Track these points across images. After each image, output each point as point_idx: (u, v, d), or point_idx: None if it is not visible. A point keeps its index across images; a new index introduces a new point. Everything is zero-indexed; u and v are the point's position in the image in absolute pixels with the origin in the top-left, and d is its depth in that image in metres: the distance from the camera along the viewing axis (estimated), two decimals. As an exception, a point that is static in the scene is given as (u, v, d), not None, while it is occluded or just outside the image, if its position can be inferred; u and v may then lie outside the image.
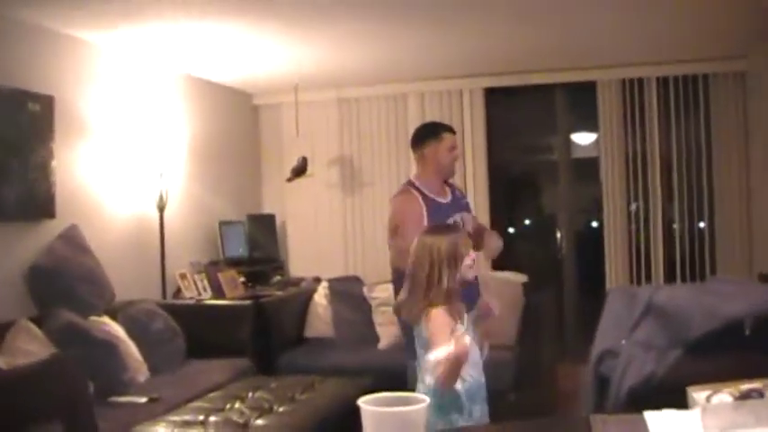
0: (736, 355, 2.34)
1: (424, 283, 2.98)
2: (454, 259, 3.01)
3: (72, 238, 4.75)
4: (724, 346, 2.38)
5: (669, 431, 1.98)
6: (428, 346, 2.91)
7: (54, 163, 4.82)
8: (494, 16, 5.19)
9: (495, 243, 4.20)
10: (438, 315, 2.93)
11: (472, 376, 2.97)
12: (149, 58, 5.82)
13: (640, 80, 6.84)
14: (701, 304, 2.42)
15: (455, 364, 2.75)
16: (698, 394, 2.09)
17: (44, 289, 4.43)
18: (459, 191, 4.55)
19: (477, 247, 4.36)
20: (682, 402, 2.14)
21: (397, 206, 4.29)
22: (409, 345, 3.48)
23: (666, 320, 2.42)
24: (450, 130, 4.46)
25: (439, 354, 2.72)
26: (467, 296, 3.96)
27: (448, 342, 2.76)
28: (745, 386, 2.06)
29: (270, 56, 5.97)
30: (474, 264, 3.05)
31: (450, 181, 4.48)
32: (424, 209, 4.12)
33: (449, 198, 4.34)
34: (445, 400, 2.88)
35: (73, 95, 5.08)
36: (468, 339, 2.79)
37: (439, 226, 3.42)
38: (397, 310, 3.16)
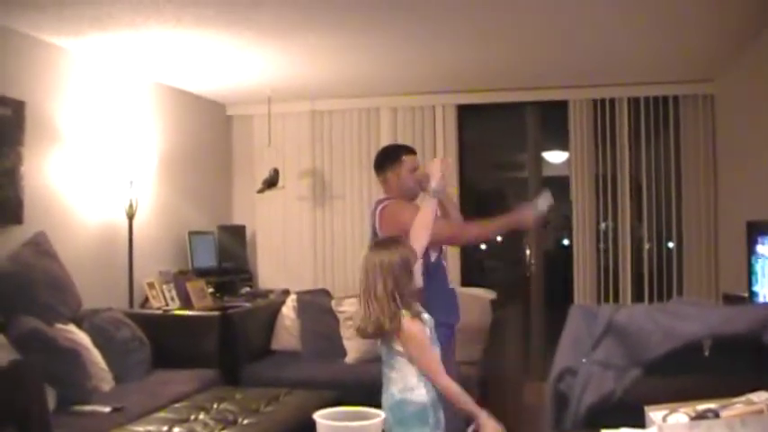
0: (694, 375, 2.36)
1: (384, 298, 2.99)
2: (408, 270, 3.04)
3: (39, 245, 4.70)
4: (683, 367, 2.41)
5: (625, 450, 2.01)
6: (408, 357, 2.96)
7: (23, 168, 4.80)
8: (467, 34, 5.23)
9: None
10: (413, 325, 2.98)
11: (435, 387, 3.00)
12: (123, 65, 5.81)
13: (612, 100, 6.90)
14: (660, 324, 2.45)
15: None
16: (655, 413, 2.12)
17: (9, 295, 4.38)
18: None
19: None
20: (639, 421, 2.16)
21: (394, 211, 4.07)
22: None
23: (626, 340, 2.45)
24: (411, 151, 4.40)
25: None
26: (448, 308, 4.02)
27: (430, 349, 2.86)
28: (702, 406, 2.09)
29: (244, 66, 5.97)
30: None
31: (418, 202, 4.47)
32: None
33: None
34: (406, 413, 2.89)
35: (45, 101, 5.06)
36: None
37: (382, 241, 3.39)
38: (364, 331, 3.03)
